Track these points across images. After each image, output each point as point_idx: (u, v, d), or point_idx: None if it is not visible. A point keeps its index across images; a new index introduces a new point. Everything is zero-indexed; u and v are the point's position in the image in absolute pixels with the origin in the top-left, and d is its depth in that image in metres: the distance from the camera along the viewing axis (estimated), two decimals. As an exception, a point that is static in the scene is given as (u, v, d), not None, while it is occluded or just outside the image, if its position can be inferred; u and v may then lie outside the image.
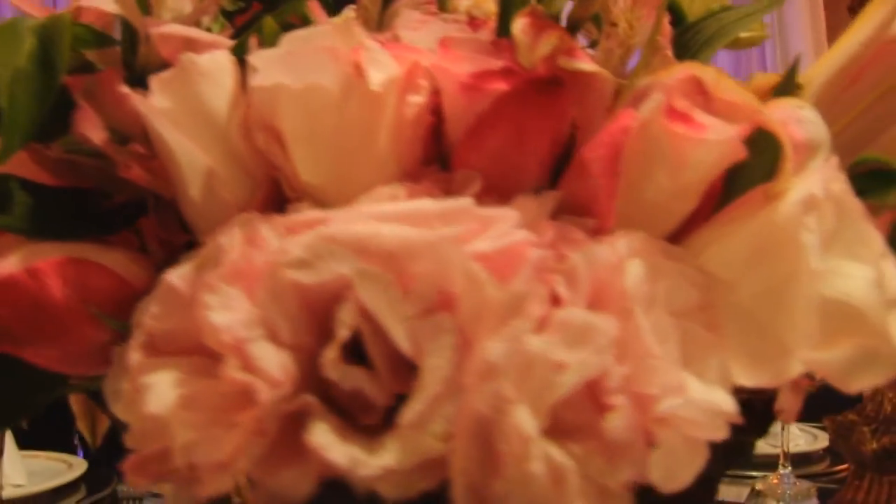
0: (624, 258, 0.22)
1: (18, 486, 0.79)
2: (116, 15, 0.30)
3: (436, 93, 0.25)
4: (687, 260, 0.24)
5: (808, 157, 0.26)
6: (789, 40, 2.28)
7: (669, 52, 0.31)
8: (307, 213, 0.22)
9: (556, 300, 0.20)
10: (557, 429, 0.20)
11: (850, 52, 0.30)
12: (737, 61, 2.19)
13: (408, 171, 0.25)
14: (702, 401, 0.22)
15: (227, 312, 0.20)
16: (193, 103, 0.26)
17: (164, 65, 0.27)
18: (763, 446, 0.87)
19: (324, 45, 0.24)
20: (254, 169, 0.26)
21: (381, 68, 0.24)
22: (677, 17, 0.34)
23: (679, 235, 0.26)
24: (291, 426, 0.19)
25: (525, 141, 0.25)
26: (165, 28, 0.28)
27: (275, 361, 0.19)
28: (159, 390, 0.21)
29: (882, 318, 0.23)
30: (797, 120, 0.26)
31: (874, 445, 0.60)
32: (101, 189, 0.28)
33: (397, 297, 0.19)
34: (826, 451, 0.87)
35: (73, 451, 0.89)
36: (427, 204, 0.21)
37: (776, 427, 0.79)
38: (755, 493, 0.77)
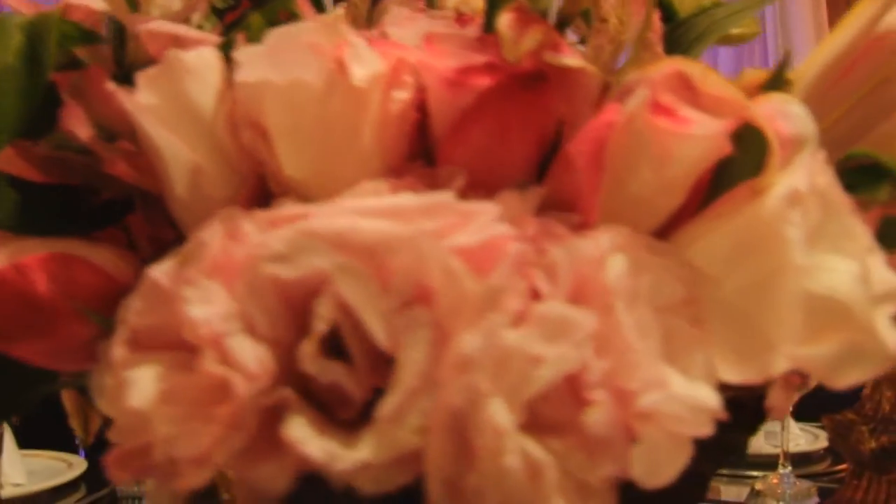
0: (606, 253, 0.22)
1: (18, 485, 0.80)
2: (105, 12, 0.30)
3: (421, 89, 0.25)
4: (672, 255, 0.24)
5: (795, 152, 0.26)
6: (791, 35, 2.28)
7: (660, 49, 0.31)
8: (289, 208, 0.22)
9: (536, 294, 0.20)
10: (537, 424, 0.19)
11: (841, 47, 0.30)
12: (738, 57, 2.19)
13: (392, 167, 0.25)
14: (685, 396, 0.22)
15: (206, 306, 0.20)
16: (179, 100, 0.26)
17: (152, 62, 0.27)
18: (763, 446, 0.86)
19: (307, 41, 0.24)
20: (239, 165, 0.26)
21: (365, 64, 0.24)
22: (668, 13, 0.34)
23: (666, 231, 0.26)
24: (270, 420, 0.19)
25: (509, 136, 0.25)
26: (152, 25, 0.28)
27: (252, 355, 0.19)
28: (141, 385, 0.21)
29: (868, 312, 0.23)
30: (784, 115, 0.26)
31: (873, 445, 0.59)
32: (88, 186, 0.28)
33: (375, 291, 0.19)
34: (827, 450, 0.86)
35: (73, 451, 0.89)
36: (408, 198, 0.21)
37: (776, 426, 0.79)
38: (755, 493, 0.77)
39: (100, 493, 0.82)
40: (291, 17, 0.31)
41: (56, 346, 0.27)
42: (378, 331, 0.19)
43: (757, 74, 0.30)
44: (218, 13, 0.34)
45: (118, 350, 0.23)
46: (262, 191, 0.26)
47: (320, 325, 0.19)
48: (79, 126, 0.26)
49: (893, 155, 0.29)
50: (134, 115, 0.26)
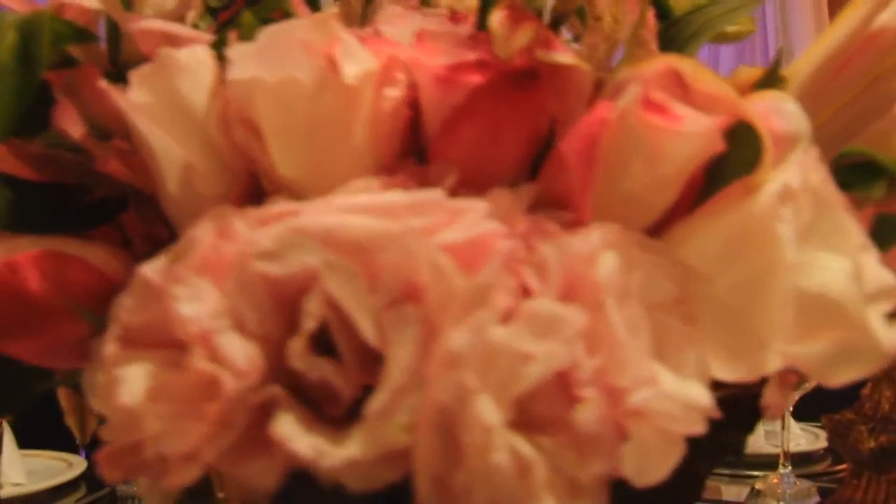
0: (597, 250, 0.22)
1: (18, 484, 0.80)
2: (99, 11, 0.30)
3: (413, 86, 0.25)
4: (664, 252, 0.24)
5: (788, 150, 0.25)
6: (792, 31, 2.27)
7: (654, 46, 0.31)
8: (279, 205, 0.22)
9: (525, 291, 0.20)
10: (528, 422, 0.19)
11: (835, 45, 0.30)
12: (740, 54, 2.19)
13: (384, 165, 0.25)
14: (676, 394, 0.22)
15: (196, 304, 0.20)
16: (172, 98, 0.26)
17: (145, 60, 0.27)
18: (764, 445, 0.86)
19: (299, 39, 0.24)
20: (232, 163, 0.26)
21: (356, 62, 0.24)
22: (663, 11, 0.34)
23: (660, 228, 0.26)
24: (259, 417, 0.19)
25: (501, 134, 0.25)
26: (145, 23, 0.28)
27: (241, 352, 0.19)
28: (131, 382, 0.21)
29: (861, 310, 0.23)
30: (778, 112, 0.26)
31: (872, 444, 0.59)
32: (81, 184, 0.28)
33: (364, 288, 0.19)
34: (827, 450, 0.86)
35: (73, 450, 0.89)
36: (397, 196, 0.21)
37: (777, 426, 0.79)
38: (755, 493, 0.77)
39: (100, 493, 0.82)
40: (286, 15, 0.31)
41: (49, 343, 0.27)
42: (366, 328, 0.19)
43: (751, 72, 0.30)
44: (212, 12, 0.34)
45: (110, 347, 0.23)
46: (255, 189, 0.26)
47: (309, 322, 0.19)
48: (72, 124, 0.26)
49: (887, 152, 0.29)
50: (127, 114, 0.26)
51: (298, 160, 0.25)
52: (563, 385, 0.20)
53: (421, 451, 0.17)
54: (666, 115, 0.24)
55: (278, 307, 0.20)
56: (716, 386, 0.24)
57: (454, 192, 0.23)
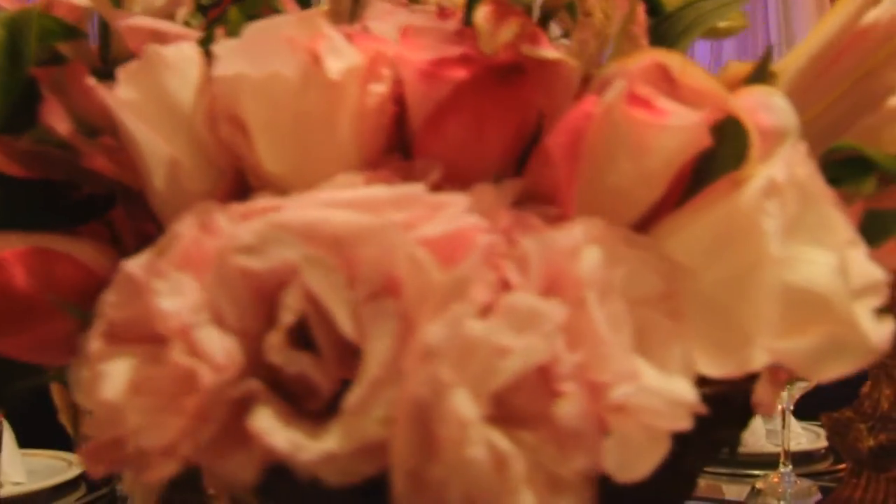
0: (580, 245, 0.22)
1: (18, 483, 0.80)
2: (88, 8, 0.30)
3: (399, 82, 0.25)
4: (650, 247, 0.24)
5: (776, 144, 0.25)
6: (794, 25, 2.26)
7: (645, 42, 0.31)
8: (263, 201, 0.22)
9: (506, 286, 0.20)
10: (508, 416, 0.19)
11: (825, 40, 0.30)
12: (742, 47, 2.18)
13: (369, 160, 0.25)
14: (660, 389, 0.22)
15: (176, 298, 0.20)
16: (158, 94, 0.26)
17: (133, 57, 0.27)
18: (765, 444, 0.86)
19: (284, 35, 0.24)
20: (218, 159, 0.26)
21: (340, 57, 0.24)
22: (654, 6, 0.34)
23: (647, 223, 0.26)
24: (237, 412, 0.19)
25: (486, 129, 0.24)
26: (132, 20, 0.28)
27: (220, 346, 0.19)
28: (114, 377, 0.21)
29: (847, 305, 0.23)
30: (765, 107, 0.26)
31: (871, 443, 0.59)
32: (69, 181, 0.28)
33: (342, 283, 0.19)
34: (828, 449, 0.86)
35: (73, 450, 0.89)
36: (379, 190, 0.21)
37: (778, 425, 0.79)
38: (756, 492, 0.77)
39: (100, 493, 0.82)
40: (274, 12, 0.31)
41: (37, 340, 0.27)
42: (344, 322, 0.18)
43: (741, 67, 0.30)
44: (203, 9, 0.34)
45: (94, 343, 0.23)
46: (241, 185, 0.26)
47: (288, 316, 0.19)
48: (57, 121, 0.26)
49: (878, 148, 0.29)
50: (114, 110, 0.26)
51: (284, 156, 0.25)
52: (543, 380, 0.20)
53: (398, 444, 0.17)
54: (651, 110, 0.24)
55: (258, 301, 0.20)
56: (706, 382, 0.24)
57: (439, 188, 0.23)
